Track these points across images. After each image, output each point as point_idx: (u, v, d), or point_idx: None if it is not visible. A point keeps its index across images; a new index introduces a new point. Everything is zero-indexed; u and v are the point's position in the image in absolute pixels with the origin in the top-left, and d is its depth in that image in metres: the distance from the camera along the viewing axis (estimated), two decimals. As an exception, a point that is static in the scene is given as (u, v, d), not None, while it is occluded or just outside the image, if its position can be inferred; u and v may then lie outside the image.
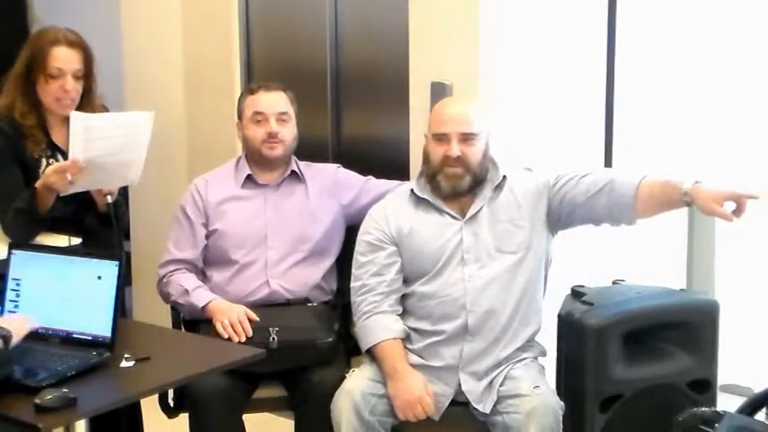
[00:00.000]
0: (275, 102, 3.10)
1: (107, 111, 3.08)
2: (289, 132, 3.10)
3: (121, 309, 2.61)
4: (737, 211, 2.50)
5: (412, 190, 2.90)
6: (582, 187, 2.79)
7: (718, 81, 3.57)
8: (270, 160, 3.10)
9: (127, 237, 3.84)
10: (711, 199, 2.51)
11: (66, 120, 2.80)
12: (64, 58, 2.92)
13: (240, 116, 3.15)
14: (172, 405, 2.95)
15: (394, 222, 2.86)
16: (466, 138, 2.80)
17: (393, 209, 2.91)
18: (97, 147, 2.73)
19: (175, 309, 3.08)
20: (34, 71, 2.93)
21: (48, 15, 4.12)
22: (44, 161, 2.95)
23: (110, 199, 2.89)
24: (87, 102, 2.98)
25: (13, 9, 4.40)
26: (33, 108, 2.95)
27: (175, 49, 4.08)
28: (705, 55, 3.55)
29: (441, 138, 2.81)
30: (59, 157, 2.95)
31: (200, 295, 2.97)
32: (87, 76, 2.98)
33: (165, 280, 3.06)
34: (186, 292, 2.98)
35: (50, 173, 2.78)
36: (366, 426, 2.68)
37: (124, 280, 2.49)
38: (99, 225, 2.96)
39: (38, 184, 2.82)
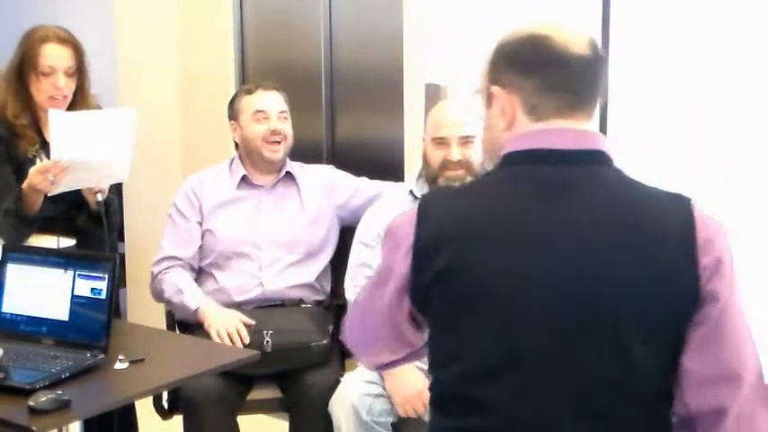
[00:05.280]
0: (276, 100, 3.11)
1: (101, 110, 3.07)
2: (290, 131, 3.11)
3: (115, 310, 2.60)
4: None
5: (411, 191, 2.90)
6: None
7: (717, 81, 3.57)
8: (270, 162, 3.10)
9: (121, 238, 3.84)
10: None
11: None
12: (55, 56, 2.91)
13: (235, 117, 3.14)
14: (166, 407, 2.94)
15: None
16: (465, 141, 2.80)
17: (390, 211, 2.89)
18: (79, 145, 2.71)
19: (170, 308, 3.07)
20: (26, 70, 2.92)
21: (41, 14, 4.11)
22: (38, 160, 2.94)
23: (100, 197, 2.86)
24: (81, 99, 2.97)
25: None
26: (26, 107, 2.94)
27: (170, 49, 4.08)
28: (703, 55, 3.55)
29: (440, 142, 2.81)
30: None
31: (193, 297, 2.94)
32: (79, 72, 2.97)
33: (158, 277, 3.02)
34: (180, 291, 2.95)
35: (33, 173, 2.76)
36: (365, 427, 2.68)
37: (118, 281, 2.48)
38: (92, 224, 2.95)
39: (24, 184, 2.80)
